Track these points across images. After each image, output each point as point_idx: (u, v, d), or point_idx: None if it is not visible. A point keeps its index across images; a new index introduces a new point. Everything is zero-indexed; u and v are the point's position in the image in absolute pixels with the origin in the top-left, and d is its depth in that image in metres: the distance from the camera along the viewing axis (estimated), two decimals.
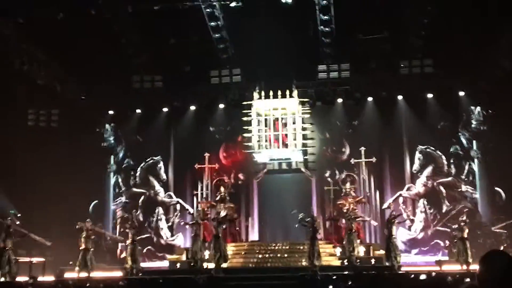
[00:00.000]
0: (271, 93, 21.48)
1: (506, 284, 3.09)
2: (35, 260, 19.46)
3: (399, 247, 18.44)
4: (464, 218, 18.96)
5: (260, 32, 20.24)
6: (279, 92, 21.38)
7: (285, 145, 21.58)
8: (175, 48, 22.93)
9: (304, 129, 22.02)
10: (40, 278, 16.92)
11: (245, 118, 21.85)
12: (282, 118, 21.81)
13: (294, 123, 21.64)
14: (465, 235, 17.67)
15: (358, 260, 17.88)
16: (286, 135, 21.67)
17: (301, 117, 21.73)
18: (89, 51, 21.16)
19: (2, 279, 16.84)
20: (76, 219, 19.83)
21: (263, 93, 21.73)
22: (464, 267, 17.49)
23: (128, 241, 19.28)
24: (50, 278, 17.68)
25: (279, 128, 21.76)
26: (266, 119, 21.80)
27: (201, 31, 21.54)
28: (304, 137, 22.05)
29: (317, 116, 23.23)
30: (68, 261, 19.99)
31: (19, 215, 21.18)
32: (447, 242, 21.42)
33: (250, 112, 21.73)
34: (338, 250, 19.39)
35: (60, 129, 24.61)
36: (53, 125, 24.77)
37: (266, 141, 21.64)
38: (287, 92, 21.62)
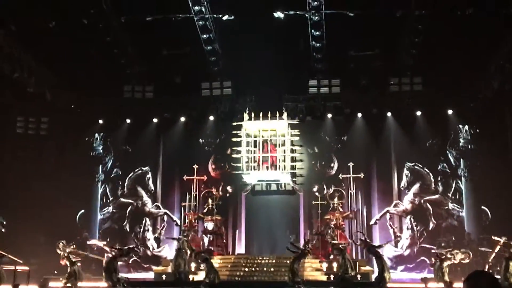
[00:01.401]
0: (261, 114, 21.48)
1: None
2: (19, 268, 19.24)
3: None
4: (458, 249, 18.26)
5: (251, 45, 20.31)
6: (269, 114, 21.40)
7: (274, 167, 21.60)
8: (167, 59, 22.94)
9: (293, 151, 22.11)
10: (23, 287, 16.73)
11: (234, 139, 21.88)
12: (271, 140, 21.87)
13: (283, 145, 21.68)
14: (442, 253, 17.51)
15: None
16: (275, 157, 21.71)
17: (290, 139, 21.77)
18: (81, 60, 21.16)
19: None
20: (62, 228, 19.66)
21: (253, 114, 21.75)
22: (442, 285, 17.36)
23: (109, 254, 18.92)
24: (34, 287, 17.50)
25: (268, 149, 21.81)
26: (255, 141, 21.85)
27: (193, 43, 21.61)
28: (293, 159, 22.11)
29: (306, 130, 23.27)
30: (53, 270, 19.79)
31: (4, 222, 21.01)
32: (433, 260, 21.43)
33: (239, 133, 21.75)
34: (324, 265, 19.38)
35: (49, 137, 24.52)
36: (42, 133, 24.64)
37: (255, 162, 21.66)
38: (277, 113, 21.70)
